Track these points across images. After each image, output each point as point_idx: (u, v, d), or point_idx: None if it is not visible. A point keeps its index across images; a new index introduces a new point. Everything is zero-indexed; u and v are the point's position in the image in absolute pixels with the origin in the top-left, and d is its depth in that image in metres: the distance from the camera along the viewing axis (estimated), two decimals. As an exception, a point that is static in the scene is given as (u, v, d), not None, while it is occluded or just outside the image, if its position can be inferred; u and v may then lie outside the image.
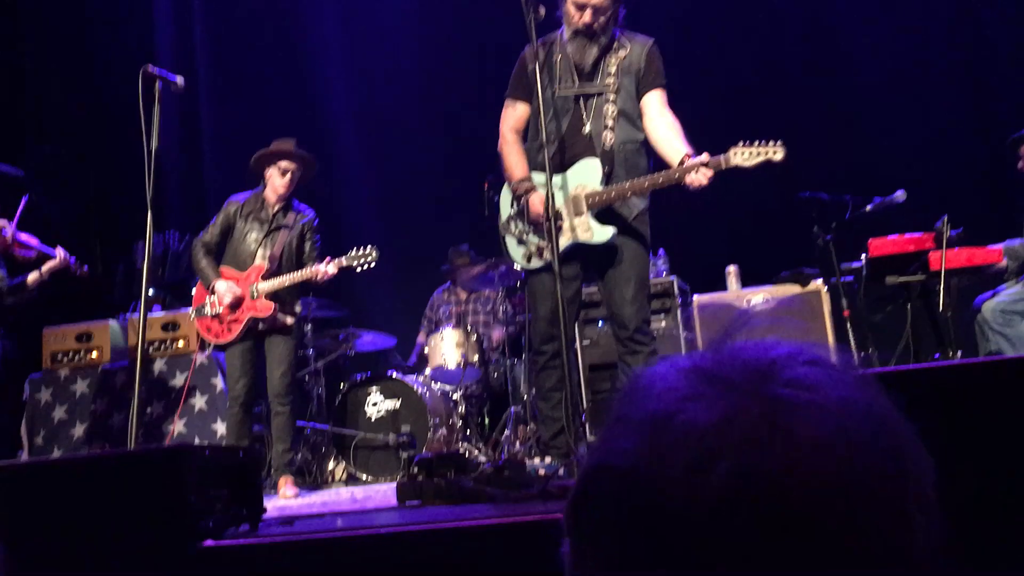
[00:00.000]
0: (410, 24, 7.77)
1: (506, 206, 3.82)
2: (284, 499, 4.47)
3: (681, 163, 3.44)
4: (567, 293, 3.51)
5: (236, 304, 4.73)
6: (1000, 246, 4.45)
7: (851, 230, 4.82)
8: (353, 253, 4.76)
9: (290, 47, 7.95)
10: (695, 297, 5.26)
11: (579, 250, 3.62)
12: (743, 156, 3.39)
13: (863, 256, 4.61)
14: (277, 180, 4.86)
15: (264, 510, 2.71)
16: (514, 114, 3.80)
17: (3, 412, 5.53)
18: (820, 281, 5.01)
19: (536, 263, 3.67)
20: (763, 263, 5.33)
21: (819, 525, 0.50)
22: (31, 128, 7.48)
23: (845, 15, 6.79)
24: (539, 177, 3.60)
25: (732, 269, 5.27)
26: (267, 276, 4.77)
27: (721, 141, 3.50)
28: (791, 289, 5.02)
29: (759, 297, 4.98)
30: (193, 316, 4.90)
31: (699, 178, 3.39)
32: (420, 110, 7.66)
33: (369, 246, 4.76)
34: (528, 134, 3.79)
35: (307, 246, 4.94)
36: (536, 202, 3.56)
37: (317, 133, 7.82)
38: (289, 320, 4.84)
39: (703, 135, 3.74)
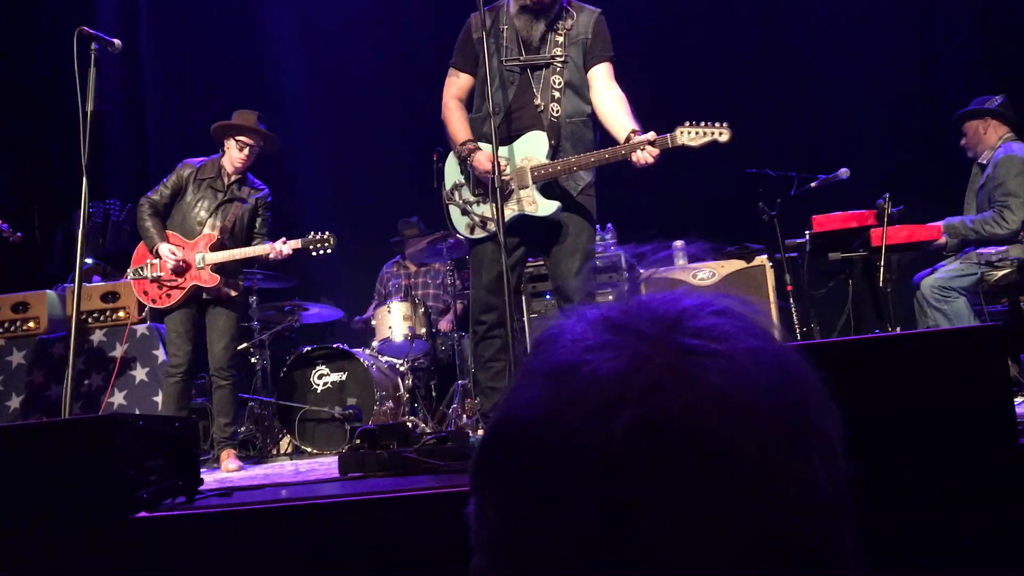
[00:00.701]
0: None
1: (451, 174, 3.78)
2: (226, 472, 4.42)
3: (628, 140, 3.44)
4: (510, 262, 3.49)
5: (180, 270, 4.63)
6: (940, 223, 4.53)
7: (796, 206, 4.88)
8: (310, 237, 4.72)
9: (239, 13, 7.79)
10: (641, 271, 5.28)
11: (523, 222, 3.61)
12: (689, 136, 3.40)
13: (807, 232, 4.67)
14: (235, 153, 4.77)
15: (201, 481, 2.67)
16: (457, 83, 3.76)
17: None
18: (765, 256, 5.06)
19: (479, 233, 3.65)
20: (710, 238, 5.37)
21: (721, 472, 0.49)
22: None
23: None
24: (485, 148, 3.57)
25: (679, 244, 5.30)
26: (215, 247, 4.68)
27: (667, 116, 3.51)
28: (736, 264, 5.07)
29: (705, 272, 5.02)
30: (131, 277, 4.79)
31: (645, 156, 3.39)
32: (372, 81, 7.58)
33: (327, 232, 4.72)
34: (473, 104, 3.75)
35: (258, 222, 4.85)
36: (482, 159, 3.53)
37: (266, 102, 7.66)
38: (233, 292, 4.77)
39: (651, 109, 3.74)
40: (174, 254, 4.61)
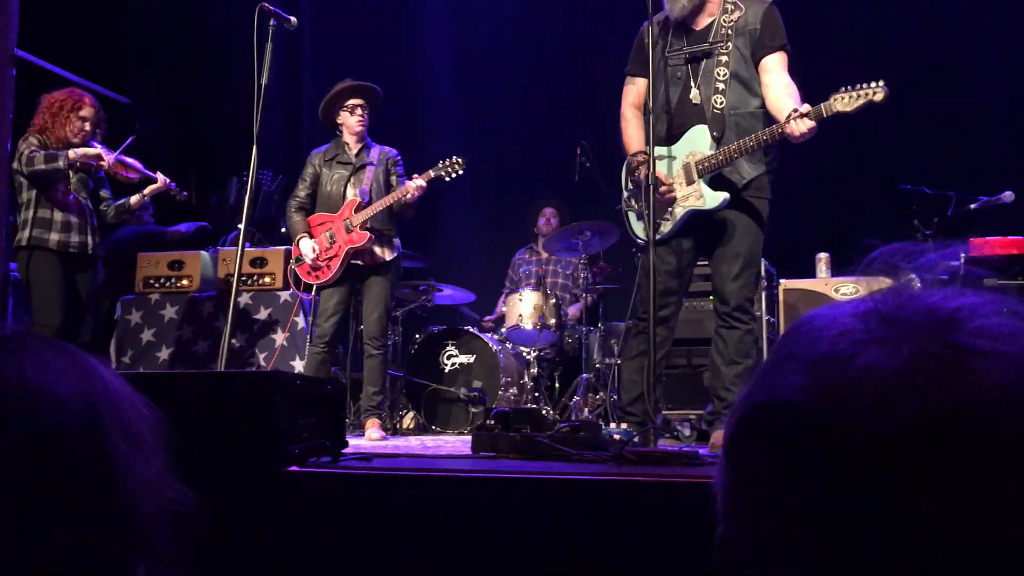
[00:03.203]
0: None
1: (625, 182, 3.81)
2: (370, 441, 4.55)
3: (787, 119, 3.37)
4: (680, 264, 3.59)
5: (331, 244, 4.82)
6: None
7: (952, 227, 4.68)
8: (440, 164, 4.81)
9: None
10: (781, 281, 5.17)
11: (695, 220, 3.58)
12: (844, 101, 3.29)
13: (962, 255, 4.47)
14: (351, 120, 4.96)
15: (346, 444, 2.77)
16: (634, 90, 3.76)
17: (95, 330, 5.75)
18: (915, 277, 4.87)
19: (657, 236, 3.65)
20: (858, 254, 5.20)
21: (1002, 470, 0.50)
22: (138, 56, 7.67)
23: (965, 5, 6.55)
24: (660, 169, 3.56)
25: (823, 256, 5.17)
26: (359, 209, 4.85)
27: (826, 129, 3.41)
28: (882, 282, 4.90)
29: (848, 287, 4.88)
30: (293, 266, 5.03)
31: (800, 127, 3.29)
32: (518, 70, 7.65)
33: (455, 156, 4.81)
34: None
35: (393, 179, 4.99)
36: (660, 176, 3.53)
37: (413, 85, 7.88)
38: (388, 255, 4.90)
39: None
40: (313, 250, 4.84)
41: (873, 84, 3.29)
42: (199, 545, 0.75)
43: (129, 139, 5.01)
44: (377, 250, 4.86)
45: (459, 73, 7.89)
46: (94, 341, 5.62)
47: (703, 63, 3.59)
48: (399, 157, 5.08)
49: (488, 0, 7.83)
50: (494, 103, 7.65)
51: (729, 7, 3.60)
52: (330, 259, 4.84)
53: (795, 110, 3.34)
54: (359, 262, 4.86)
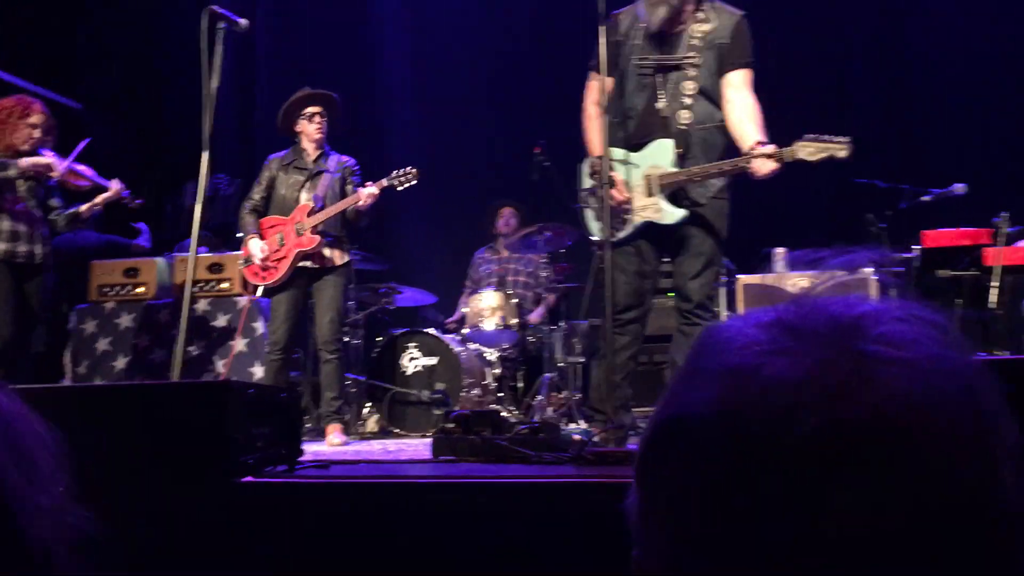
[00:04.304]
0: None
1: (586, 177, 3.80)
2: (331, 446, 4.52)
3: (750, 151, 3.40)
4: (646, 266, 3.63)
5: (280, 247, 4.79)
6: None
7: (905, 220, 4.74)
8: (394, 173, 4.79)
9: (348, 3, 7.94)
10: (739, 277, 5.21)
11: (651, 229, 3.61)
12: (808, 151, 3.34)
13: (915, 247, 4.54)
14: (309, 128, 4.94)
15: (302, 452, 2.74)
16: (598, 86, 3.76)
17: (49, 340, 5.65)
18: (870, 269, 4.93)
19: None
20: (813, 247, 5.25)
21: (907, 480, 0.49)
22: (89, 61, 7.55)
23: (915, 1, 6.64)
24: (615, 153, 3.58)
25: (779, 251, 5.21)
26: (312, 214, 4.82)
27: (781, 123, 3.44)
28: (838, 275, 4.94)
29: (805, 282, 4.92)
30: (242, 265, 4.99)
31: (764, 167, 3.35)
32: (476, 71, 7.63)
33: (408, 166, 4.80)
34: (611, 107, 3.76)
35: (349, 188, 4.97)
36: (616, 193, 3.53)
37: (369, 87, 7.83)
38: (337, 259, 4.87)
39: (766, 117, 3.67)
40: (263, 250, 4.80)
41: (838, 139, 3.34)
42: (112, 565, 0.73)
43: (82, 143, 4.92)
44: (327, 252, 4.83)
45: (417, 74, 7.85)
46: (47, 351, 5.53)
47: (672, 75, 3.58)
48: (357, 167, 5.06)
49: (446, 2, 7.80)
50: (452, 104, 7.62)
51: (701, 16, 3.59)
52: (279, 260, 4.80)
53: (759, 142, 3.38)
54: (308, 264, 4.83)
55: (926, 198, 4.72)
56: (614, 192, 3.50)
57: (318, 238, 4.77)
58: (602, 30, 3.48)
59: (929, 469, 0.50)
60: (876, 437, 0.50)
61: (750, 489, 0.51)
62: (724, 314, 5.13)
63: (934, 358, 0.53)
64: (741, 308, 5.08)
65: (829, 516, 0.49)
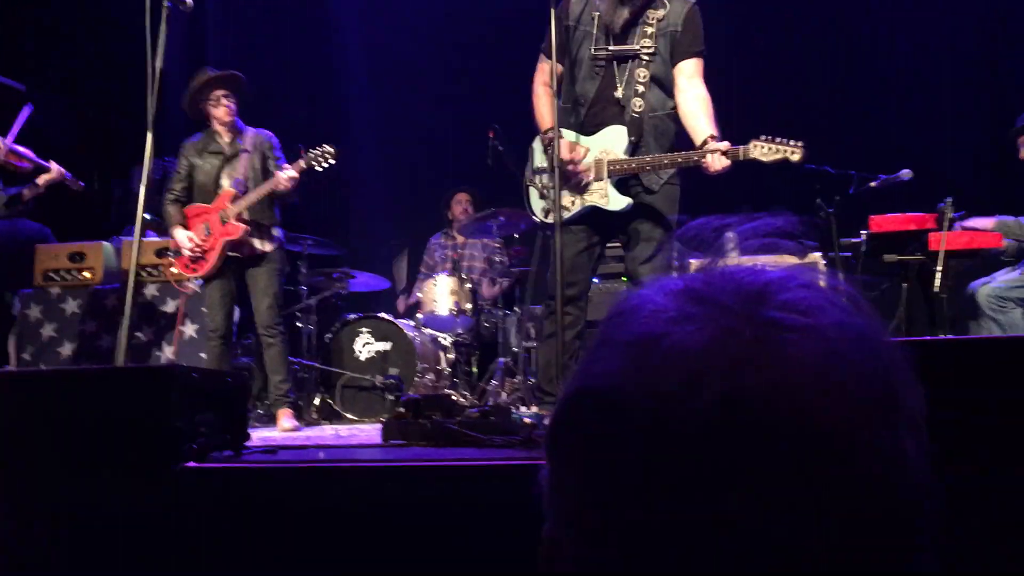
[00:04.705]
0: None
1: (534, 158, 3.79)
2: (283, 431, 4.48)
3: (703, 144, 3.42)
4: (584, 244, 3.63)
5: (207, 236, 4.74)
6: (993, 219, 4.43)
7: (853, 206, 4.80)
8: (311, 152, 4.66)
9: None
10: (691, 261, 5.23)
11: (596, 213, 3.61)
12: (762, 151, 3.37)
13: (863, 232, 4.59)
14: (217, 112, 4.85)
15: (248, 437, 2.71)
16: (547, 69, 3.72)
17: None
18: (819, 254, 4.99)
19: (553, 218, 3.66)
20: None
21: (810, 448, 0.49)
22: (33, 42, 7.36)
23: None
24: (567, 134, 3.59)
25: (731, 236, 5.24)
26: (235, 200, 4.75)
27: (731, 112, 3.46)
28: (788, 260, 4.98)
29: (757, 266, 4.96)
30: (172, 257, 4.92)
31: (717, 163, 3.37)
32: (428, 54, 7.57)
33: (324, 145, 4.66)
34: (560, 92, 3.75)
35: (270, 163, 4.89)
36: (563, 147, 3.51)
37: (322, 70, 7.74)
38: (267, 247, 4.81)
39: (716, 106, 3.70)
40: (191, 239, 4.74)
41: (791, 143, 3.37)
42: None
43: (23, 112, 4.79)
44: (256, 243, 4.79)
45: (370, 57, 7.78)
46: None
47: (628, 63, 3.58)
48: (275, 140, 4.97)
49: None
50: (406, 88, 7.57)
51: (655, 3, 3.59)
52: (207, 252, 4.75)
53: (713, 136, 3.39)
54: (237, 254, 4.78)
55: (873, 184, 4.78)
56: (564, 149, 3.49)
57: (243, 226, 4.71)
58: (553, 13, 3.47)
59: (833, 437, 0.49)
60: (778, 406, 0.49)
61: (655, 461, 0.51)
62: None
63: (840, 326, 0.53)
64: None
65: (730, 487, 0.49)
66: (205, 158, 4.86)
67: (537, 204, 3.76)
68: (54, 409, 2.43)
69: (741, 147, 3.38)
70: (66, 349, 5.49)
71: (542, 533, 0.58)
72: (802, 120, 6.17)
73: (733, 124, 3.63)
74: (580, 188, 3.60)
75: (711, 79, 3.65)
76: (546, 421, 2.78)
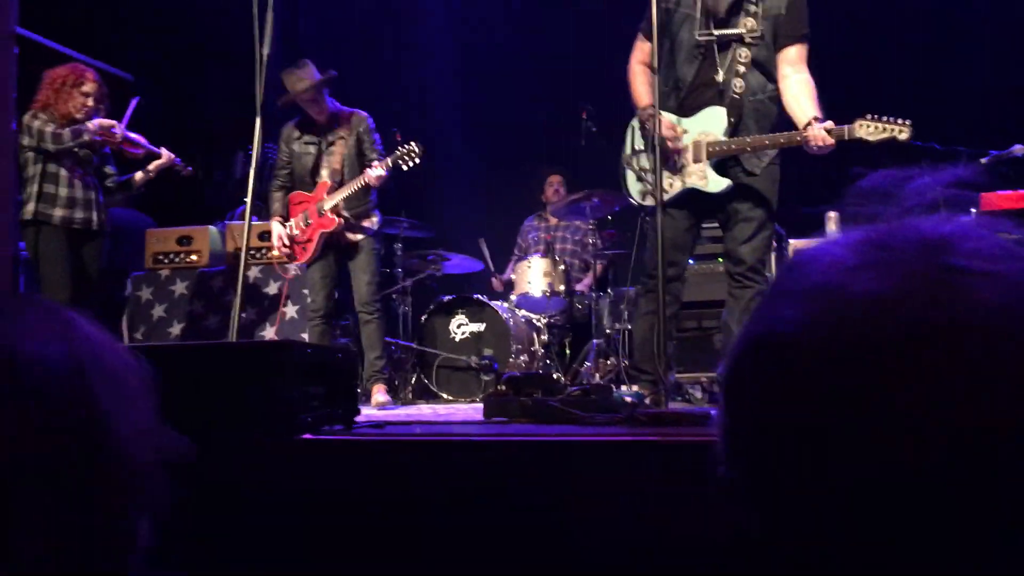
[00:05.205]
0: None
1: (631, 140, 3.77)
2: (376, 405, 4.60)
3: (807, 126, 3.36)
4: (683, 226, 3.60)
5: (306, 226, 4.88)
6: None
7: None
8: (398, 151, 4.71)
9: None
10: (791, 242, 5.15)
11: (694, 194, 3.58)
12: (868, 130, 3.29)
13: (972, 210, 4.44)
14: (311, 111, 4.95)
15: (358, 411, 2.78)
16: (644, 48, 3.68)
17: (106, 306, 5.77)
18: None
19: (651, 201, 3.64)
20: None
21: (991, 389, 0.49)
22: (139, 32, 7.62)
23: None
24: (667, 116, 3.55)
25: (832, 215, 5.12)
26: (331, 191, 4.86)
27: (833, 94, 3.36)
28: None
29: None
30: (274, 244, 5.07)
31: (820, 143, 3.31)
32: (521, 35, 7.57)
33: (411, 143, 4.70)
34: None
35: (366, 147, 4.96)
36: (664, 126, 3.48)
37: (411, 55, 7.82)
38: (359, 236, 4.92)
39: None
40: (281, 238, 4.90)
41: (900, 121, 3.30)
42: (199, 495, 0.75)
43: (132, 103, 4.98)
44: (350, 234, 4.91)
45: (461, 39, 7.82)
46: (103, 318, 5.64)
47: (731, 47, 3.53)
48: (371, 121, 5.01)
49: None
50: (497, 69, 7.58)
51: None
52: (305, 242, 4.89)
53: (816, 118, 3.35)
54: (339, 240, 4.92)
55: (984, 160, 4.60)
56: (666, 131, 3.46)
57: (338, 219, 4.82)
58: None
59: (1014, 381, 0.49)
60: (962, 346, 0.50)
61: (839, 403, 0.51)
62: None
63: (1022, 271, 0.53)
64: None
65: (913, 428, 0.49)
66: (303, 145, 4.98)
67: (634, 187, 3.74)
68: (179, 382, 2.52)
69: (846, 126, 3.31)
70: (175, 329, 5.71)
71: (717, 474, 0.59)
72: (905, 95, 5.99)
73: (837, 106, 3.55)
74: (678, 170, 3.57)
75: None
76: (647, 400, 2.78)
